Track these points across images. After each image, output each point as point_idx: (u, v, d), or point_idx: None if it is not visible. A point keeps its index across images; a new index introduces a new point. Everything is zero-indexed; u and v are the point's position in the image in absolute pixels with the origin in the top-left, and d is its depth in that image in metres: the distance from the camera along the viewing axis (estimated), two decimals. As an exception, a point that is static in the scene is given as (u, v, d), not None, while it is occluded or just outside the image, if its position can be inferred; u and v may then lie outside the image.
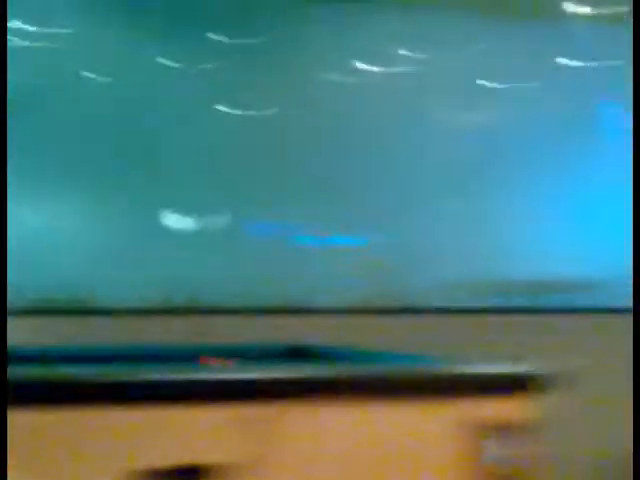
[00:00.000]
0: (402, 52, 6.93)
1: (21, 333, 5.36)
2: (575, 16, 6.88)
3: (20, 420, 2.78)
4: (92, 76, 6.43)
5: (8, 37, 6.11)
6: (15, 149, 5.89)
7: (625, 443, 6.06)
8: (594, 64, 7.05)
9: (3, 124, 2.93)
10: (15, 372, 2.98)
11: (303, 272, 6.51)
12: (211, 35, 6.63)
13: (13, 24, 6.24)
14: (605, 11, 6.86)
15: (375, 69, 6.88)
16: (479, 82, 7.01)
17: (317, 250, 6.72)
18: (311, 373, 3.31)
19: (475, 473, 3.05)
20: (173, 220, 6.53)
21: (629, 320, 6.31)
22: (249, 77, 6.71)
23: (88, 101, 6.35)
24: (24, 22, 6.21)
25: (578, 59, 7.07)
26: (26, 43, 6.27)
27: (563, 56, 7.06)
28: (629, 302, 6.38)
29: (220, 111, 6.66)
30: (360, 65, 6.83)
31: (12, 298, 5.33)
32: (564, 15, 6.86)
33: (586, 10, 6.83)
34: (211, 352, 3.92)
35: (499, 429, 3.06)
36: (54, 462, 2.81)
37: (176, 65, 6.63)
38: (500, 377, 3.19)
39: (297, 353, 4.25)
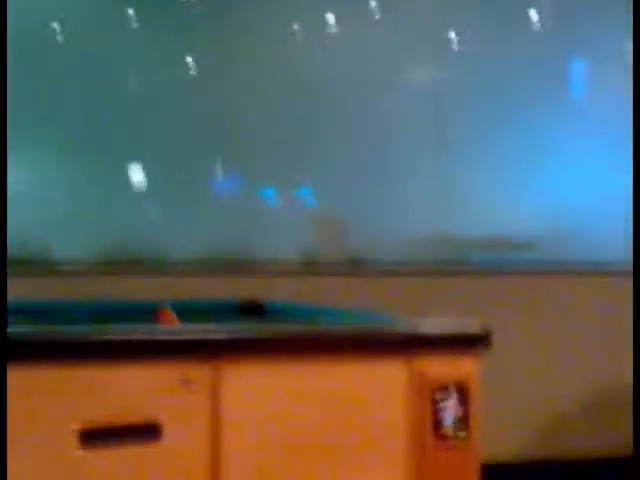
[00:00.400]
0: (372, 7, 6.91)
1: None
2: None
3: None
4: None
5: None
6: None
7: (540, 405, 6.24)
8: (561, 25, 7.05)
9: (3, 122, 2.81)
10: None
11: (263, 228, 6.52)
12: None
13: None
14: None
15: (337, 26, 6.85)
16: (447, 41, 6.99)
17: (278, 207, 6.74)
18: (262, 330, 3.24)
19: (429, 435, 2.99)
20: (137, 177, 6.55)
21: (567, 278, 6.44)
22: (212, 32, 6.68)
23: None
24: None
25: (545, 21, 7.06)
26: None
27: (530, 18, 7.05)
28: (569, 258, 6.49)
29: (188, 67, 6.66)
30: (324, 18, 6.82)
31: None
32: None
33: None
34: (159, 307, 3.83)
35: (451, 387, 3.01)
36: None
37: (138, 24, 6.62)
38: (451, 334, 3.14)
39: (246, 309, 4.20)
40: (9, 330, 2.83)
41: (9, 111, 6.06)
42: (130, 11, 6.55)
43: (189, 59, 6.66)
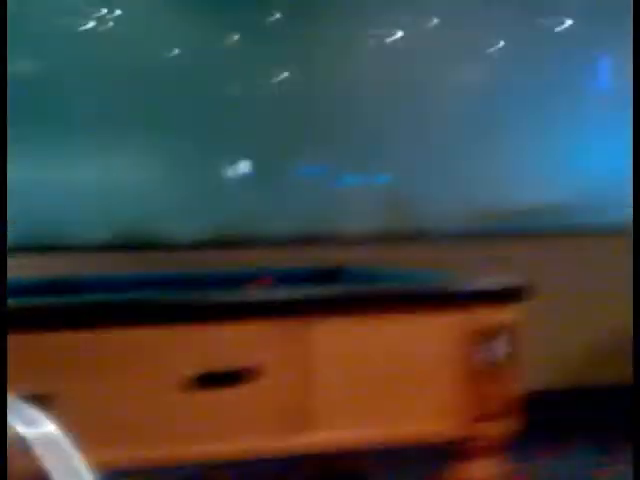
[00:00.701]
0: (423, 16, 6.91)
1: (105, 266, 5.42)
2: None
3: (81, 338, 2.82)
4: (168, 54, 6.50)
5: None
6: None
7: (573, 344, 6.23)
8: (583, 28, 6.97)
9: (3, 120, 2.76)
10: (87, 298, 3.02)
11: (339, 207, 6.55)
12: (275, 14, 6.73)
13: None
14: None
15: (398, 34, 6.86)
16: (481, 46, 6.97)
17: (351, 188, 6.76)
18: (342, 292, 3.32)
19: (479, 368, 3.05)
20: (235, 167, 6.62)
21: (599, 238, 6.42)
22: (298, 45, 6.73)
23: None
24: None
25: (568, 24, 6.99)
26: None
27: (554, 21, 6.98)
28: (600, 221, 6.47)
29: (273, 75, 6.71)
30: (392, 30, 6.83)
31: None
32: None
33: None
34: (264, 275, 3.91)
35: (496, 332, 3.06)
36: (117, 372, 2.83)
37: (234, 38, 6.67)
38: (496, 289, 3.19)
39: (331, 274, 4.24)
40: (149, 296, 2.93)
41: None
42: (227, 30, 6.62)
43: (278, 67, 6.71)
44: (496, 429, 3.07)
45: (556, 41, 7.00)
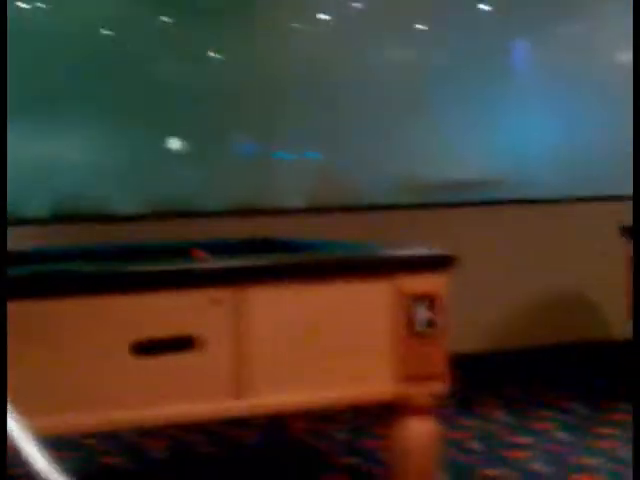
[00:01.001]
0: (350, 3, 6.91)
1: (46, 238, 5.34)
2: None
3: (41, 307, 2.75)
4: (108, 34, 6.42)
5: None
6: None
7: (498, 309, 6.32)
8: (506, 11, 7.01)
9: (3, 120, 2.65)
10: (36, 268, 2.96)
11: (275, 181, 6.54)
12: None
13: None
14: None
15: (329, 18, 6.85)
16: (412, 25, 6.98)
17: (287, 163, 6.76)
18: (274, 261, 3.27)
19: (408, 332, 3.03)
20: (173, 144, 6.59)
21: (517, 210, 6.50)
22: (234, 29, 6.67)
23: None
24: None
25: (492, 5, 7.02)
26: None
27: (481, 3, 7.02)
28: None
29: (210, 57, 6.67)
30: (318, 15, 6.81)
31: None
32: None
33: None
34: (199, 247, 3.86)
35: (424, 298, 3.05)
36: (75, 338, 2.76)
37: (170, 21, 6.61)
38: (423, 258, 3.18)
39: (263, 246, 4.21)
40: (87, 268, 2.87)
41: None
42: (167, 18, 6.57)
43: (215, 49, 6.67)
44: (426, 389, 3.07)
45: (480, 25, 7.03)
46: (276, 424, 4.30)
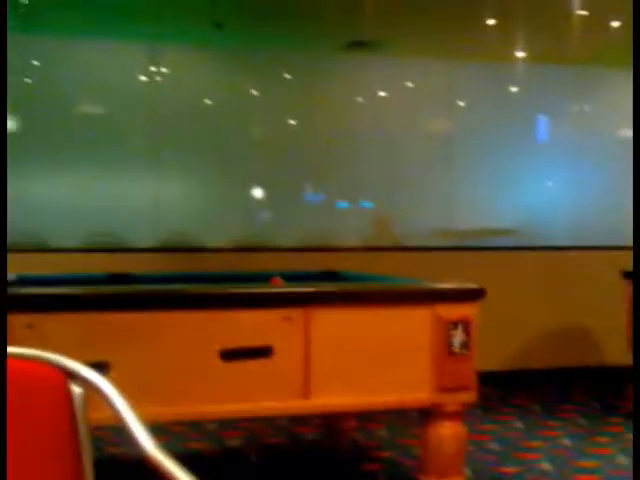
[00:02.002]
0: (403, 83, 6.94)
1: (149, 264, 5.39)
2: (520, 59, 6.78)
3: (152, 318, 2.77)
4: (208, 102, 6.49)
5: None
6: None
7: (519, 335, 6.24)
8: (534, 92, 7.01)
9: (3, 121, 2.56)
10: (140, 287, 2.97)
11: (336, 224, 6.56)
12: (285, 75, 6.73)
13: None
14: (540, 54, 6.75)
15: (384, 94, 6.88)
16: (453, 101, 7.00)
17: (346, 210, 6.79)
18: (336, 288, 3.27)
19: (445, 351, 3.00)
20: (255, 191, 6.65)
21: (535, 254, 6.44)
22: (306, 100, 6.74)
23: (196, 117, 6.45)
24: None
25: (522, 88, 7.02)
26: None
27: (512, 86, 7.01)
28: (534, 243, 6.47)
29: (288, 122, 6.74)
30: (377, 91, 6.86)
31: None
32: (513, 58, 6.77)
33: (523, 54, 6.73)
34: (276, 275, 3.86)
35: (459, 323, 3.02)
36: (176, 344, 2.77)
37: (258, 94, 6.68)
38: (458, 290, 3.15)
39: (327, 276, 4.21)
40: (183, 287, 2.88)
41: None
42: (251, 85, 6.65)
43: (289, 116, 6.73)
44: (457, 398, 3.03)
45: (509, 103, 7.03)
46: (331, 422, 4.29)
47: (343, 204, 6.87)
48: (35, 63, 6.29)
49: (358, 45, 6.60)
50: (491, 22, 6.29)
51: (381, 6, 5.73)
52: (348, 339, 2.96)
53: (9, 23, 5.54)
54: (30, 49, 6.18)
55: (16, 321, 2.50)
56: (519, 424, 4.88)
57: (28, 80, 6.18)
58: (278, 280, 3.76)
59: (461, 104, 7.01)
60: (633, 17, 3.22)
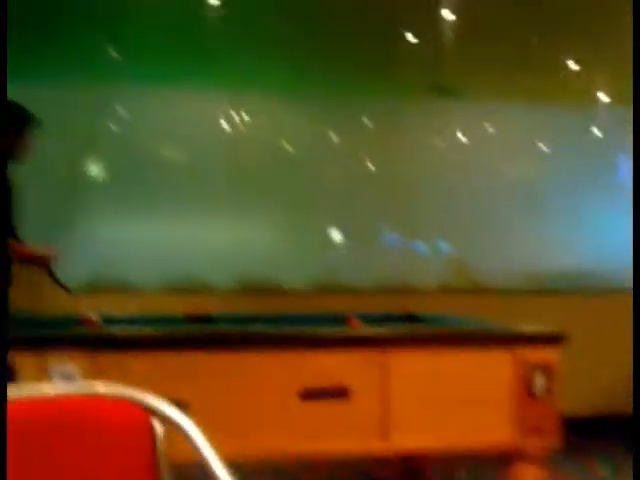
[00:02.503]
0: (482, 126, 6.92)
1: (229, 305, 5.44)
2: (601, 102, 6.70)
3: (218, 358, 2.79)
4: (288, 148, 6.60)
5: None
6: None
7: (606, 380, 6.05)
8: (616, 134, 6.91)
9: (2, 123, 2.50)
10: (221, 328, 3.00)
11: (415, 266, 6.54)
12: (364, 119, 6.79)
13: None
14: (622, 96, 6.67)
15: (465, 138, 6.87)
16: (534, 145, 6.95)
17: (424, 252, 6.77)
18: (414, 330, 3.26)
19: (526, 394, 2.95)
20: (334, 233, 6.68)
21: (621, 298, 6.26)
22: (385, 145, 6.79)
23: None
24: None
25: (603, 131, 6.93)
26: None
27: (595, 128, 6.94)
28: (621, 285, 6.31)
29: (365, 165, 6.79)
30: (458, 135, 6.85)
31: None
32: (594, 101, 6.69)
33: (605, 96, 6.65)
34: (354, 317, 3.85)
35: (541, 367, 2.96)
36: (258, 382, 2.79)
37: (336, 138, 6.75)
38: (540, 334, 3.09)
39: (405, 318, 4.19)
40: (262, 328, 2.90)
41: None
42: (330, 130, 6.71)
43: (367, 159, 6.77)
44: (540, 443, 2.96)
45: (588, 145, 6.95)
46: (410, 463, 4.23)
47: (421, 246, 6.85)
48: (121, 111, 6.47)
49: (438, 90, 6.61)
50: (573, 65, 6.23)
51: (462, 51, 5.74)
52: (427, 381, 2.93)
53: (97, 73, 5.71)
54: (117, 98, 6.36)
55: (102, 359, 2.55)
56: (604, 472, 4.74)
57: (114, 128, 6.35)
58: (356, 322, 3.75)
59: (543, 147, 6.94)
60: (633, 18, 3.12)
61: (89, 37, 5.81)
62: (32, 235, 4.15)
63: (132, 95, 6.42)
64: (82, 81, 6.10)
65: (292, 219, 6.54)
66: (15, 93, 5.96)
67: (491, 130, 6.90)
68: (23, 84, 6.34)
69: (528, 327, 3.19)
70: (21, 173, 4.15)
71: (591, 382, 5.98)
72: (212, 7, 5.71)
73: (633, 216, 2.66)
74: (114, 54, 5.99)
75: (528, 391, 2.94)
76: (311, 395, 2.78)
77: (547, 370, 2.97)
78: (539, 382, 2.94)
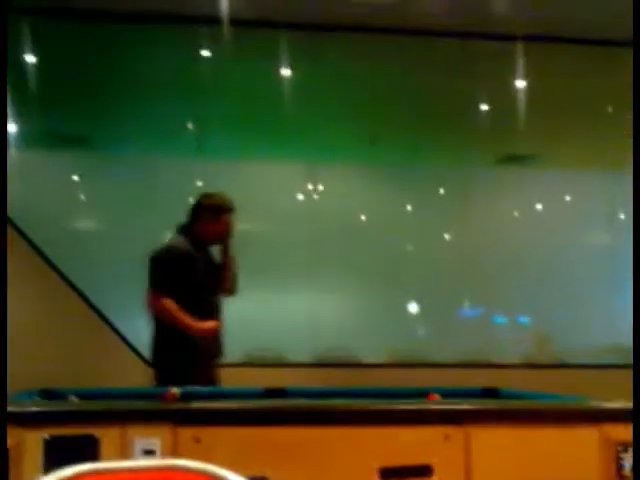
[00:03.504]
0: (560, 196, 6.89)
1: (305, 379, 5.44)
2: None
3: (297, 434, 2.77)
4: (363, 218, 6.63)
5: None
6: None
7: None
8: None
9: (3, 126, 2.51)
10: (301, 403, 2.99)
11: (495, 339, 6.46)
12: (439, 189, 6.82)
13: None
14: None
15: (541, 207, 6.84)
16: (614, 212, 6.87)
17: (505, 325, 6.69)
18: (497, 405, 3.20)
19: (615, 477, 2.85)
20: (410, 306, 6.65)
21: None
22: (460, 214, 6.78)
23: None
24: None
25: None
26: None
27: None
28: None
29: (441, 235, 6.78)
30: (534, 205, 6.83)
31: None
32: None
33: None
34: (433, 392, 3.81)
35: (629, 445, 2.87)
36: (336, 461, 2.76)
37: (410, 209, 6.77)
38: (627, 409, 3.00)
39: (487, 393, 4.12)
40: (342, 403, 2.88)
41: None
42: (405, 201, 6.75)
43: (442, 230, 6.76)
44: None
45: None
46: None
47: (501, 319, 6.77)
48: (199, 184, 6.62)
49: (513, 159, 6.61)
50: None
51: (535, 119, 5.75)
52: (510, 459, 2.86)
53: (179, 147, 5.94)
54: (195, 171, 6.52)
55: (183, 434, 2.57)
56: None
57: (192, 200, 6.51)
58: (436, 397, 3.70)
59: (622, 216, 6.85)
60: (633, 18, 3.04)
61: (170, 113, 6.01)
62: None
63: (211, 168, 6.58)
64: (163, 156, 6.29)
65: (370, 290, 6.55)
66: (92, 163, 6.16)
67: (568, 198, 6.85)
68: (106, 156, 6.57)
69: (616, 403, 3.10)
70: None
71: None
72: (287, 81, 5.87)
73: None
74: (193, 129, 6.17)
75: (617, 472, 2.85)
76: (391, 473, 2.73)
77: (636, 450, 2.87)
78: (629, 462, 2.85)
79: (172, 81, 5.71)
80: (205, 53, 5.64)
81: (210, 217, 4.89)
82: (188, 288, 4.68)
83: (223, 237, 4.92)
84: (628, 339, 6.53)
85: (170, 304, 4.64)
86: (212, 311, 4.81)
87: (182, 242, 4.84)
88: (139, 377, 4.73)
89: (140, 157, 6.50)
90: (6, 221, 1.58)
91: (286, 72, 5.80)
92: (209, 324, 4.70)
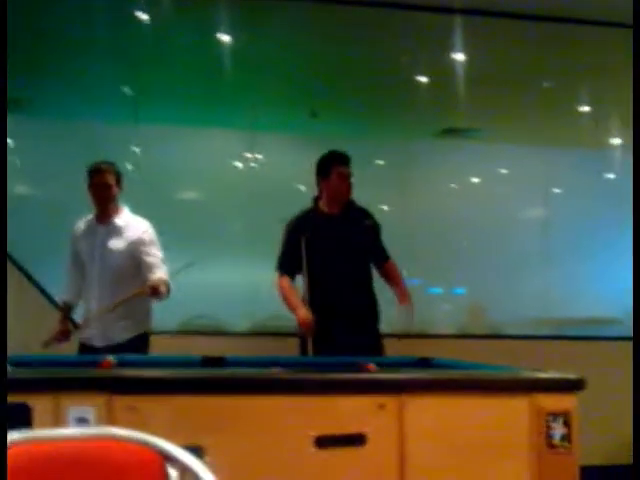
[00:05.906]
0: (497, 170, 6.96)
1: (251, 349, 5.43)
2: (615, 145, 6.75)
3: (247, 402, 2.77)
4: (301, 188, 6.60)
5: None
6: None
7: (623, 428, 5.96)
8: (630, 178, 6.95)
9: (3, 126, 2.53)
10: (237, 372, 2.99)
11: (431, 310, 6.52)
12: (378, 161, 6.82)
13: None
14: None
15: (478, 180, 6.90)
16: (548, 188, 6.97)
17: (439, 297, 6.76)
18: (430, 375, 3.25)
19: (545, 445, 2.92)
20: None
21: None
22: (398, 186, 6.80)
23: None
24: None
25: (618, 174, 6.97)
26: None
27: (606, 173, 6.96)
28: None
29: (382, 209, 6.80)
30: (471, 178, 6.89)
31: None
32: (608, 144, 6.74)
33: (618, 140, 6.70)
34: (368, 362, 3.85)
35: (560, 415, 2.94)
36: (271, 429, 2.77)
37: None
38: (559, 380, 3.07)
39: (421, 363, 4.18)
40: (277, 372, 2.89)
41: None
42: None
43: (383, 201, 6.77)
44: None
45: (601, 189, 6.97)
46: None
47: (436, 290, 6.85)
48: (136, 150, 6.53)
49: (452, 132, 6.66)
50: (585, 109, 6.27)
51: (475, 94, 5.79)
52: (443, 428, 2.91)
53: (115, 112, 5.82)
54: (132, 137, 6.43)
55: (117, 403, 2.55)
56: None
57: (129, 166, 6.41)
58: (372, 367, 3.74)
59: (556, 191, 6.96)
60: (633, 18, 3.12)
61: (105, 77, 5.90)
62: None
63: (147, 134, 6.49)
64: (100, 121, 6.18)
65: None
66: (25, 127, 6.03)
67: (505, 172, 6.94)
68: (35, 119, 6.43)
69: (547, 373, 3.17)
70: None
71: (609, 432, 5.91)
72: (226, 49, 5.81)
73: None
74: (130, 94, 6.07)
75: (547, 441, 2.91)
76: (326, 442, 2.76)
77: (566, 418, 2.94)
78: (558, 431, 2.92)
79: (109, 45, 5.60)
80: (143, 17, 5.53)
81: (323, 176, 4.70)
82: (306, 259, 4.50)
83: (342, 192, 4.66)
84: (560, 312, 6.69)
85: (284, 283, 4.61)
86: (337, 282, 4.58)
87: (301, 213, 4.72)
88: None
89: (75, 122, 6.37)
90: (6, 221, 1.54)
91: (226, 39, 5.74)
92: (301, 314, 4.55)
